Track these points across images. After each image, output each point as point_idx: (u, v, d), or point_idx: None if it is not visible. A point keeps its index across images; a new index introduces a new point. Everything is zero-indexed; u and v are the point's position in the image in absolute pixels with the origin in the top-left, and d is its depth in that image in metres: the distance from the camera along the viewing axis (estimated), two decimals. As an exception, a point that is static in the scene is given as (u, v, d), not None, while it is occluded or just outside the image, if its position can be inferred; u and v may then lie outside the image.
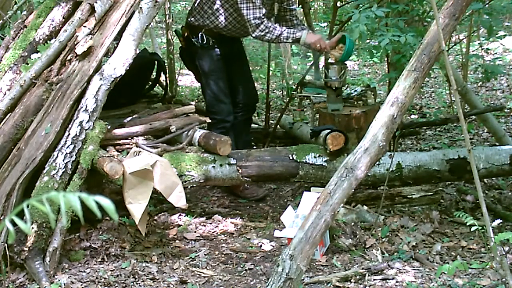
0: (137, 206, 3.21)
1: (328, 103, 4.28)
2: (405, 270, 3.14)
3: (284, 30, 4.07)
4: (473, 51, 6.75)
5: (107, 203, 1.14)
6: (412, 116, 6.61)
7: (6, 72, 3.69)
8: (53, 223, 3.15)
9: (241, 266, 3.33)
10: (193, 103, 5.23)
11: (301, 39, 4.06)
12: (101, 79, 3.43)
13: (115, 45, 3.58)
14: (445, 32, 2.86)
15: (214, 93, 4.32)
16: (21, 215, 1.23)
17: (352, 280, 3.04)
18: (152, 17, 3.62)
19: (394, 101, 2.84)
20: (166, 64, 5.84)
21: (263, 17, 4.04)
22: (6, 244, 3.10)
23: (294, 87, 6.18)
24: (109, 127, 3.56)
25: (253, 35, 4.12)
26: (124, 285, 3.10)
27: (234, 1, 4.08)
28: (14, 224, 1.21)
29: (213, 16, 4.19)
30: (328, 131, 3.75)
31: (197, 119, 3.96)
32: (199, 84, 4.77)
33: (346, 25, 5.40)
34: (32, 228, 3.09)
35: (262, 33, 4.06)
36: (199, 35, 4.24)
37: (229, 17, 4.18)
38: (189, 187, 3.69)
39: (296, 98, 5.67)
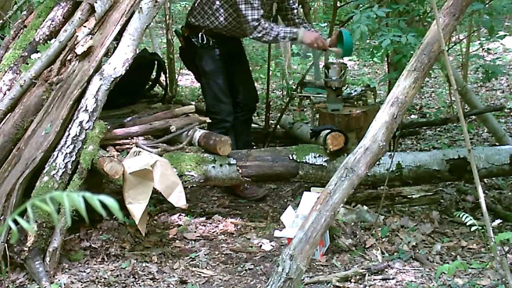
0: (137, 206, 3.21)
1: (328, 103, 4.28)
2: (405, 270, 3.14)
3: (281, 29, 4.05)
4: (473, 51, 6.74)
5: (112, 202, 1.14)
6: (412, 116, 6.61)
7: (6, 72, 3.69)
8: (57, 222, 3.16)
9: (241, 266, 3.33)
10: (193, 103, 5.23)
11: (297, 38, 4.06)
12: (101, 79, 3.43)
13: (115, 45, 3.58)
14: (445, 32, 2.86)
15: (214, 93, 4.32)
16: (21, 215, 1.23)
17: (352, 280, 3.04)
18: (152, 17, 3.62)
19: (394, 101, 2.84)
20: (166, 64, 5.84)
21: (261, 18, 4.03)
22: (6, 244, 3.11)
23: (294, 87, 6.18)
24: (109, 127, 3.56)
25: (251, 36, 4.11)
26: (124, 285, 3.10)
27: (233, 2, 4.08)
28: (16, 223, 1.21)
29: (213, 16, 4.19)
30: (328, 131, 3.75)
31: (197, 119, 3.96)
32: (199, 84, 4.77)
33: (346, 25, 5.40)
34: (32, 228, 3.09)
35: (260, 35, 4.05)
36: (199, 35, 4.24)
37: (229, 17, 4.18)
38: (189, 187, 3.69)
39: (296, 98, 5.67)
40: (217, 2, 4.16)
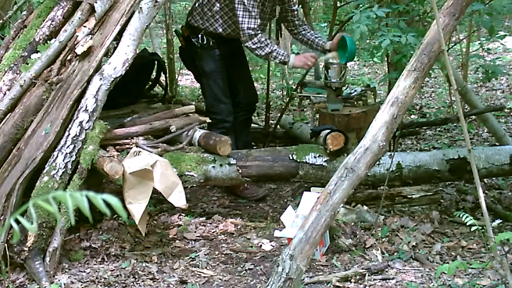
0: (137, 206, 3.21)
1: (328, 103, 4.28)
2: (405, 270, 3.14)
3: (275, 49, 4.07)
4: (473, 51, 6.75)
5: (115, 202, 1.15)
6: (412, 116, 6.61)
7: (6, 72, 3.69)
8: (59, 222, 3.16)
9: (241, 266, 3.33)
10: (193, 103, 5.23)
11: (288, 63, 4.10)
12: (101, 79, 3.43)
13: (115, 45, 3.58)
14: (445, 32, 2.86)
15: (214, 93, 4.32)
16: (20, 215, 1.22)
17: (352, 280, 3.04)
18: (152, 17, 3.62)
19: (394, 101, 2.84)
20: (166, 64, 5.84)
21: (258, 28, 4.03)
22: (6, 244, 3.11)
23: (294, 87, 6.18)
24: (109, 127, 3.56)
25: (245, 45, 4.12)
26: (124, 285, 3.10)
27: (233, 6, 4.08)
28: (17, 223, 1.21)
29: (213, 18, 4.19)
30: (328, 131, 3.75)
31: (197, 119, 3.96)
32: (199, 84, 4.77)
33: (346, 25, 5.40)
34: (34, 228, 3.09)
35: (254, 46, 4.06)
36: (199, 36, 4.24)
37: (228, 21, 4.18)
38: (189, 187, 3.69)
39: (296, 98, 5.67)
40: (217, 5, 4.16)
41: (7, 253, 3.10)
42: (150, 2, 3.53)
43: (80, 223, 3.38)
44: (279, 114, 5.43)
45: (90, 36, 3.56)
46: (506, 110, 6.37)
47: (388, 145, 2.89)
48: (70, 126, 3.38)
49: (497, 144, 4.87)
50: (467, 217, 2.61)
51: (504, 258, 2.51)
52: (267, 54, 4.08)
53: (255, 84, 5.21)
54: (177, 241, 3.62)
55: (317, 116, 4.49)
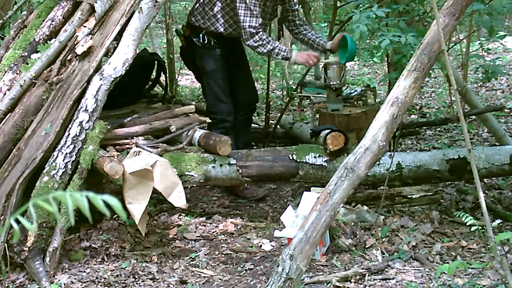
0: (137, 206, 3.22)
1: (328, 103, 4.28)
2: (405, 270, 3.14)
3: (277, 46, 4.08)
4: (473, 51, 6.74)
5: (115, 202, 1.15)
6: (412, 116, 6.61)
7: (6, 72, 3.69)
8: (59, 222, 3.16)
9: (241, 266, 3.33)
10: (193, 103, 5.23)
11: (291, 58, 4.11)
12: (101, 79, 3.43)
13: (115, 45, 3.58)
14: (445, 32, 2.86)
15: (214, 93, 4.32)
16: (20, 215, 1.22)
17: (352, 280, 3.04)
18: (152, 17, 3.62)
19: (394, 101, 2.84)
20: (166, 64, 5.84)
21: (259, 27, 4.04)
22: (6, 244, 3.11)
23: (294, 87, 6.18)
24: (109, 127, 3.56)
25: (246, 43, 4.12)
26: (124, 285, 3.10)
27: (234, 6, 4.08)
28: (17, 223, 1.21)
29: (214, 18, 4.19)
30: (328, 131, 3.75)
31: (197, 119, 3.96)
32: (199, 84, 4.77)
33: (346, 25, 5.40)
34: (35, 227, 3.09)
35: (255, 44, 4.06)
36: (200, 35, 4.24)
37: (229, 20, 4.18)
38: (189, 187, 3.69)
39: (296, 98, 5.67)
40: (218, 4, 4.16)
41: (7, 253, 3.10)
42: (150, 2, 3.53)
43: (80, 223, 3.38)
44: (279, 114, 5.43)
45: (90, 36, 3.56)
46: (506, 110, 6.37)
47: (388, 145, 2.89)
48: (70, 126, 3.38)
49: (497, 144, 4.87)
50: (467, 217, 2.61)
51: (504, 258, 2.50)
52: (269, 51, 4.08)
53: (255, 84, 5.21)
54: (177, 241, 3.62)
55: (317, 116, 4.49)
